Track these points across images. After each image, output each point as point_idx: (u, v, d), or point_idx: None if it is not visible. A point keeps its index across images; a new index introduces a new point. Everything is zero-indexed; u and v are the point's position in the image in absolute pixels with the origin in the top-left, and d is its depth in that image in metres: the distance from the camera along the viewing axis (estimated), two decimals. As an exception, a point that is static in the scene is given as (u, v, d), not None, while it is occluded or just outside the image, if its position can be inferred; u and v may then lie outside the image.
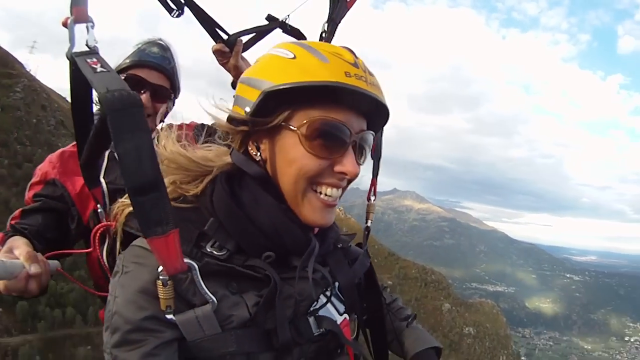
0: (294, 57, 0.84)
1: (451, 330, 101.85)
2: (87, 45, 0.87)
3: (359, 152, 0.90)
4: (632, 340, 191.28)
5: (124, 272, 0.84)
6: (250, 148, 0.91)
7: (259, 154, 0.90)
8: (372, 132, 0.92)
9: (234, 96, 0.92)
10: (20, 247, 1.16)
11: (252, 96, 0.85)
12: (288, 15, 1.77)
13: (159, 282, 0.77)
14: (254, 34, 1.78)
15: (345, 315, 1.04)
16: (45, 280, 1.17)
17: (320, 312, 0.96)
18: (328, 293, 0.99)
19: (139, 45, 1.72)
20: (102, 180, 1.56)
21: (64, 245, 1.53)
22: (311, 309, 0.94)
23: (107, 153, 1.59)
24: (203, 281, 0.81)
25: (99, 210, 1.49)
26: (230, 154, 0.94)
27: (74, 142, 1.42)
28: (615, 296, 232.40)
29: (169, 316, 0.80)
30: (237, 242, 0.86)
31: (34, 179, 1.66)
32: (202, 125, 1.84)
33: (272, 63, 0.86)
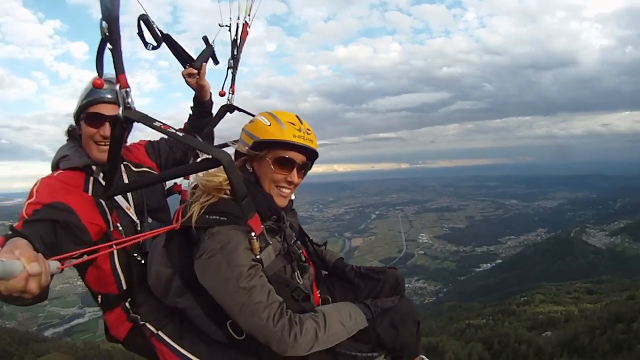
0: (269, 125, 1.72)
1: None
2: (128, 106, 1.39)
3: (302, 171, 1.82)
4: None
5: (225, 244, 1.57)
6: (247, 165, 1.80)
7: (252, 168, 1.79)
8: (309, 161, 1.84)
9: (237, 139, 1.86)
10: (20, 247, 1.17)
11: (249, 141, 1.74)
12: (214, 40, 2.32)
13: (253, 240, 1.58)
14: (208, 57, 2.33)
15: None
16: (45, 281, 1.15)
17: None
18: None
19: (90, 87, 1.95)
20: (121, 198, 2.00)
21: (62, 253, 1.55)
22: (293, 239, 1.90)
23: (122, 166, 2.12)
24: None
25: (120, 228, 1.95)
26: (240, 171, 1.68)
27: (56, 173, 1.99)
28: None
29: (258, 255, 1.61)
30: (260, 215, 1.67)
31: (32, 199, 1.74)
32: (150, 142, 2.47)
33: (258, 126, 1.74)
